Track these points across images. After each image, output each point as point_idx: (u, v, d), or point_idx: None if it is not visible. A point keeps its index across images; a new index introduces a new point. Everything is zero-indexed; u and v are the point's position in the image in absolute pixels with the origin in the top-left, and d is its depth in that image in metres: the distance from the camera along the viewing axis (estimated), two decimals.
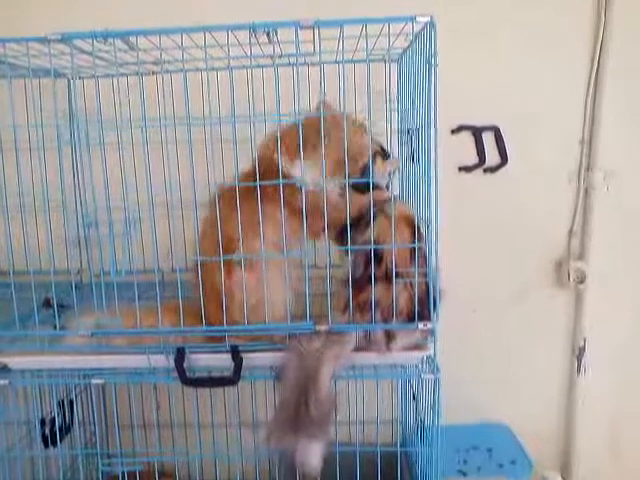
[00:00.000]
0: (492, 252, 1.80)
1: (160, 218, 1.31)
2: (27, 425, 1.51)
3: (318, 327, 1.18)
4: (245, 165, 1.25)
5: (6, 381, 1.25)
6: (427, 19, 1.07)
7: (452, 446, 1.74)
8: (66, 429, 1.53)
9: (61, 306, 1.36)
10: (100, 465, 1.44)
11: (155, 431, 1.76)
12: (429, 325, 1.18)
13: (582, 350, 1.85)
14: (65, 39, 1.09)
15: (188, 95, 1.14)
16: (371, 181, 1.21)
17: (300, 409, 1.12)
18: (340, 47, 1.15)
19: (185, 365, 1.21)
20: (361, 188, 1.24)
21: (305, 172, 1.21)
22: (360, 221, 1.21)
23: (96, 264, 1.43)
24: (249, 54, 1.16)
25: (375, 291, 1.16)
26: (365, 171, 1.25)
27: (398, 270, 1.16)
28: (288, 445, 1.13)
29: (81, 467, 1.45)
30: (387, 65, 1.54)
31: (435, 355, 1.23)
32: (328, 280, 1.30)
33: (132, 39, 1.14)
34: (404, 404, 1.78)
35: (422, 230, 1.20)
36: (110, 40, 1.10)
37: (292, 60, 1.31)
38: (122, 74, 1.45)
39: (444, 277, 1.21)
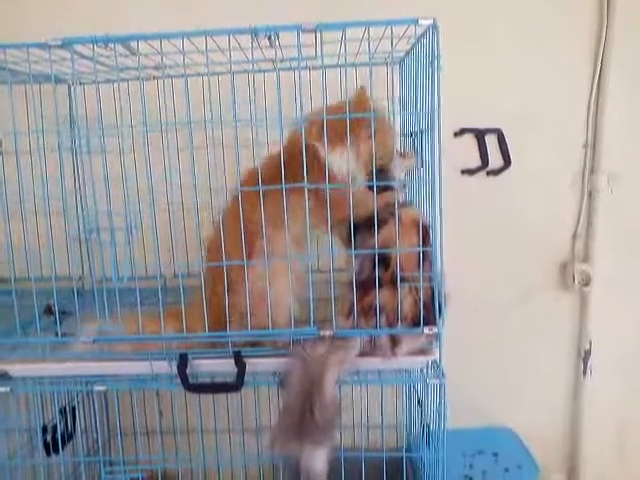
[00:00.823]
0: (496, 255, 1.79)
1: (162, 224, 1.30)
2: (29, 433, 1.49)
3: (322, 332, 1.17)
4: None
5: (7, 388, 1.25)
6: (430, 22, 1.06)
7: (458, 451, 1.73)
8: (68, 436, 1.52)
9: (62, 313, 1.35)
10: (103, 473, 1.43)
11: (158, 437, 1.75)
12: (435, 330, 1.16)
13: (588, 353, 1.84)
14: (66, 44, 1.08)
15: (189, 99, 1.13)
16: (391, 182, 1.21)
17: (305, 415, 1.11)
18: (342, 50, 1.15)
19: (188, 371, 1.20)
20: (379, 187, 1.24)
21: (345, 161, 1.20)
22: (373, 221, 1.20)
23: (98, 270, 1.42)
24: (250, 58, 1.16)
25: (380, 295, 1.15)
26: (385, 170, 1.26)
27: (405, 275, 1.15)
28: (293, 451, 1.13)
29: (83, 475, 1.43)
30: (389, 68, 1.54)
31: (441, 360, 1.22)
32: (332, 284, 1.29)
33: (133, 44, 1.13)
34: (408, 409, 1.76)
35: (430, 235, 1.18)
36: (111, 45, 1.10)
37: (294, 64, 1.30)
38: (123, 79, 1.44)
39: (448, 281, 1.20)
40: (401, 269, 1.16)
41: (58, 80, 1.52)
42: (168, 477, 1.69)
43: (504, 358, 1.85)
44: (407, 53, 1.39)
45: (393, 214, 1.18)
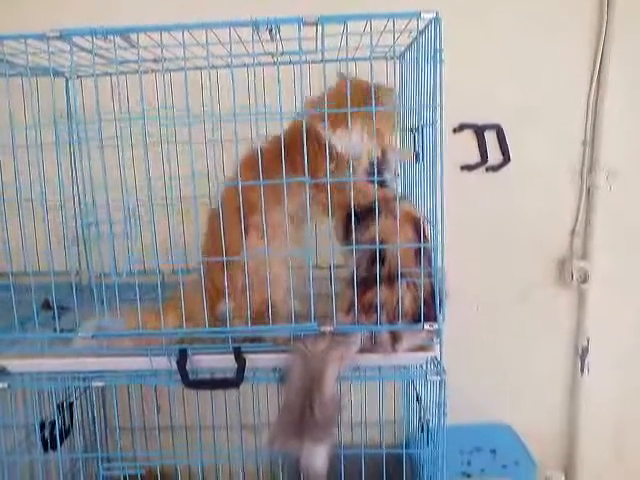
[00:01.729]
0: (494, 252, 1.79)
1: (160, 217, 1.29)
2: (26, 429, 1.48)
3: (322, 328, 1.16)
4: None
5: (5, 384, 1.24)
6: (432, 15, 1.05)
7: (456, 447, 1.73)
8: (65, 432, 1.51)
9: (60, 308, 1.34)
10: (100, 469, 1.42)
11: (156, 434, 1.74)
12: (435, 326, 1.16)
13: (585, 350, 1.84)
14: (64, 36, 1.07)
15: (188, 92, 1.12)
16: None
17: (305, 411, 1.11)
18: (343, 44, 1.14)
19: (187, 367, 1.19)
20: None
21: (348, 143, 1.20)
22: (367, 214, 1.19)
23: (96, 265, 1.41)
24: (251, 51, 1.15)
25: (380, 292, 1.15)
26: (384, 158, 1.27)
27: (402, 271, 1.14)
28: (293, 448, 1.12)
29: (81, 471, 1.42)
30: (389, 62, 1.52)
31: (441, 356, 1.21)
32: (332, 280, 1.28)
33: (132, 36, 1.12)
34: (407, 405, 1.76)
35: (427, 230, 1.18)
36: (110, 37, 1.09)
37: (294, 58, 1.29)
38: (121, 72, 1.43)
39: (447, 277, 1.20)
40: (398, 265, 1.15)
41: (55, 73, 1.50)
42: (166, 474, 1.68)
43: (502, 355, 1.85)
44: (408, 47, 1.39)
45: (387, 208, 1.18)
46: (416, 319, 1.16)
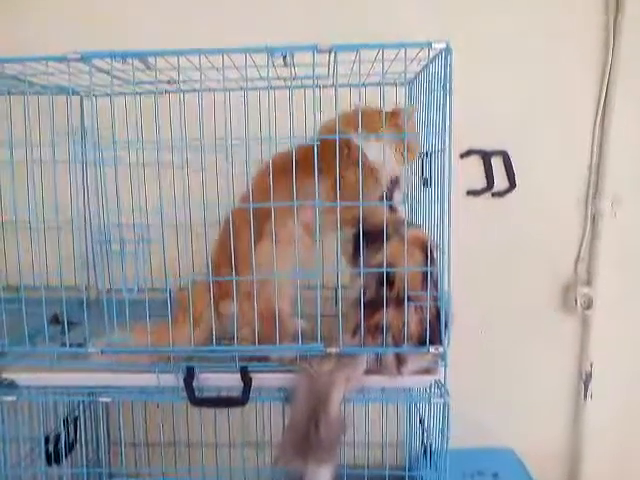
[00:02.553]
0: (499, 277, 1.80)
1: (171, 237, 1.31)
2: (31, 442, 1.49)
3: (329, 349, 1.17)
4: None
5: (13, 397, 1.25)
6: (443, 45, 1.07)
7: (458, 471, 1.72)
8: (70, 447, 1.51)
9: (69, 323, 1.35)
10: None
11: (158, 450, 1.74)
12: (440, 349, 1.17)
13: (589, 375, 1.84)
14: (84, 58, 1.10)
15: (202, 114, 1.15)
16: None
17: (310, 432, 1.11)
18: (354, 70, 1.16)
19: (194, 384, 1.20)
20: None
21: (379, 153, 1.23)
22: (377, 237, 1.20)
23: (108, 281, 1.42)
24: (265, 76, 1.17)
25: (386, 314, 1.16)
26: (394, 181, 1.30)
27: (409, 294, 1.16)
28: (297, 468, 1.13)
29: None
30: (399, 89, 1.55)
31: (445, 379, 1.22)
32: (339, 301, 1.30)
33: (150, 59, 1.15)
34: (409, 427, 1.76)
35: (434, 254, 1.19)
36: (128, 60, 1.11)
37: (306, 82, 1.32)
38: (136, 93, 1.46)
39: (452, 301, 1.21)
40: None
41: (72, 92, 1.53)
42: None
43: (505, 378, 1.85)
44: (417, 74, 1.41)
45: (396, 232, 1.19)
46: (421, 342, 1.17)
